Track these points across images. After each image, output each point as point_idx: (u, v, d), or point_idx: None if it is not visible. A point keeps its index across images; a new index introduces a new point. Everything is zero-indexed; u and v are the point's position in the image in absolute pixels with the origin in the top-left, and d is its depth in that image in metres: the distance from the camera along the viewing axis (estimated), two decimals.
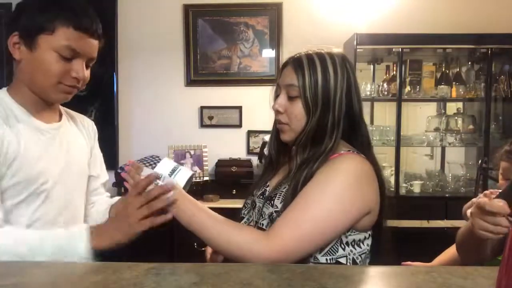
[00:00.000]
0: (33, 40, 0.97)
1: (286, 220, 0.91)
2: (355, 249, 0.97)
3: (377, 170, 1.00)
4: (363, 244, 0.99)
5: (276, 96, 1.05)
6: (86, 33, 0.99)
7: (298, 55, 1.02)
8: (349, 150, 1.00)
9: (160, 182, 0.97)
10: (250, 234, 0.91)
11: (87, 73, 1.04)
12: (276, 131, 1.09)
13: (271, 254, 0.87)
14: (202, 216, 0.94)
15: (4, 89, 1.05)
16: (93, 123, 1.27)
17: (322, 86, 0.97)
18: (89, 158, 1.21)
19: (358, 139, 1.03)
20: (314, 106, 0.97)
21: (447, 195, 2.99)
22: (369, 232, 1.01)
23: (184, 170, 1.01)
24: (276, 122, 1.06)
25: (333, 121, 0.98)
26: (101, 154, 1.29)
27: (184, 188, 0.99)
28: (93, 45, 1.03)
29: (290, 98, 1.01)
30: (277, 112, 1.03)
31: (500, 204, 0.92)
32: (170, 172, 1.00)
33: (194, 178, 3.21)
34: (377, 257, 1.04)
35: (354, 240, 0.97)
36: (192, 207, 0.95)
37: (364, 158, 0.99)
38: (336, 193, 0.92)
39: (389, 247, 1.07)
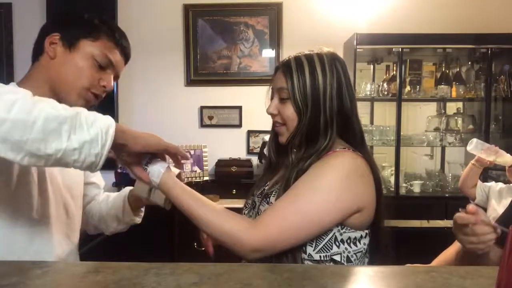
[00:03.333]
0: (75, 42, 1.01)
1: (273, 210, 0.94)
2: (351, 247, 0.98)
3: (373, 167, 1.01)
4: (359, 243, 0.99)
5: (272, 99, 1.08)
6: (122, 51, 1.07)
7: (287, 58, 1.05)
8: (344, 148, 1.01)
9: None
10: (238, 222, 0.93)
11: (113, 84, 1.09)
12: (274, 133, 1.11)
13: (256, 243, 0.90)
14: (189, 204, 0.94)
15: (14, 83, 1.03)
16: None
17: (310, 86, 1.00)
18: None
19: (350, 136, 1.04)
20: (304, 107, 1.00)
21: (447, 195, 2.99)
22: (366, 231, 1.01)
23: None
24: (274, 125, 1.09)
25: (325, 120, 1.00)
26: None
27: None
28: (123, 64, 1.10)
29: (282, 100, 1.04)
30: (272, 115, 1.07)
31: (466, 214, 0.89)
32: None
33: (194, 178, 3.19)
34: (375, 256, 1.04)
35: (349, 238, 0.98)
36: (180, 195, 0.94)
37: (359, 155, 1.00)
38: (324, 187, 0.94)
39: (389, 247, 1.06)
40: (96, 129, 0.77)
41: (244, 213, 1.12)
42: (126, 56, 1.10)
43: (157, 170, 0.92)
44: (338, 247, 0.97)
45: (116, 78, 1.10)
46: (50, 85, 1.02)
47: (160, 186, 0.94)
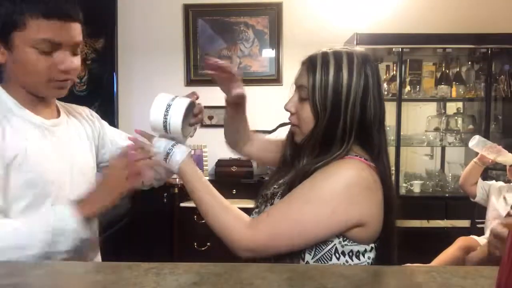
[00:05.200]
0: (9, 40, 0.91)
1: (268, 214, 0.92)
2: (352, 260, 0.92)
3: (385, 182, 0.94)
4: (363, 256, 0.93)
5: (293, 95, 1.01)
6: (59, 19, 0.90)
7: (314, 53, 0.96)
8: (357, 155, 0.93)
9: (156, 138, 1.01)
10: (236, 219, 0.92)
11: (76, 60, 0.97)
12: (291, 133, 1.05)
13: (248, 243, 0.89)
14: (200, 191, 0.96)
15: None
16: (88, 108, 1.24)
17: (333, 88, 0.91)
18: (95, 150, 1.19)
19: (367, 148, 0.96)
20: (323, 110, 0.92)
21: (447, 195, 2.99)
22: (372, 245, 0.94)
23: (178, 101, 1.00)
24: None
25: (343, 127, 0.92)
26: (115, 129, 1.29)
27: (186, 117, 0.98)
28: (72, 29, 0.93)
29: (301, 99, 0.97)
30: (289, 112, 1.00)
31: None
32: (166, 110, 0.99)
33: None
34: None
35: (351, 251, 0.92)
36: (194, 180, 0.97)
37: (370, 167, 0.92)
38: (320, 198, 0.88)
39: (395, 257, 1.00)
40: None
41: (255, 211, 1.08)
42: (67, 17, 0.92)
43: (179, 153, 0.98)
44: (338, 259, 0.91)
45: (76, 46, 0.96)
46: (20, 85, 0.99)
47: (180, 168, 0.97)
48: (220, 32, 3.28)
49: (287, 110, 1.00)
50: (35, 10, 0.89)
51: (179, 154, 0.98)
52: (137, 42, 3.30)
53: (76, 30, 0.95)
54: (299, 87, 0.97)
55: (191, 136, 1.06)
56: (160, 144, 1.00)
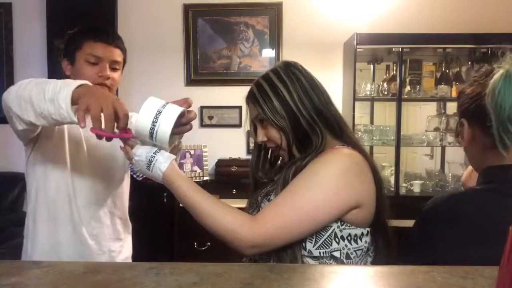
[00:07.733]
0: (73, 57, 1.34)
1: (271, 207, 0.95)
2: (351, 244, 0.99)
3: (371, 164, 1.02)
4: (360, 240, 1.00)
5: (254, 129, 1.12)
6: (104, 42, 1.33)
7: (250, 89, 1.11)
8: (344, 145, 1.03)
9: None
10: (237, 217, 0.94)
11: (114, 74, 1.35)
12: (262, 153, 1.16)
13: (254, 238, 0.91)
14: (193, 195, 0.96)
15: None
16: None
17: (279, 103, 1.03)
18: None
19: (328, 128, 1.05)
20: (283, 121, 1.03)
21: None
22: (368, 229, 1.02)
23: (170, 109, 0.94)
24: (263, 148, 1.15)
25: (307, 121, 1.03)
26: None
27: (174, 126, 0.93)
28: (112, 51, 1.34)
29: (263, 124, 1.08)
30: (264, 143, 1.10)
31: None
32: (155, 117, 0.92)
33: (194, 178, 3.20)
34: (379, 255, 1.04)
35: (350, 235, 0.98)
36: (184, 186, 0.97)
37: (358, 153, 1.01)
38: (322, 183, 0.95)
39: (394, 246, 1.06)
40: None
41: (249, 212, 1.13)
42: (110, 43, 1.33)
43: (163, 160, 0.96)
44: (338, 243, 0.97)
45: (115, 63, 1.34)
46: None
47: (164, 175, 0.96)
48: (220, 32, 3.28)
49: (261, 142, 1.10)
50: (89, 36, 1.33)
51: (163, 161, 0.96)
52: (137, 42, 3.30)
53: (113, 52, 1.35)
54: (255, 118, 1.09)
55: (175, 145, 1.05)
56: (142, 152, 0.97)
